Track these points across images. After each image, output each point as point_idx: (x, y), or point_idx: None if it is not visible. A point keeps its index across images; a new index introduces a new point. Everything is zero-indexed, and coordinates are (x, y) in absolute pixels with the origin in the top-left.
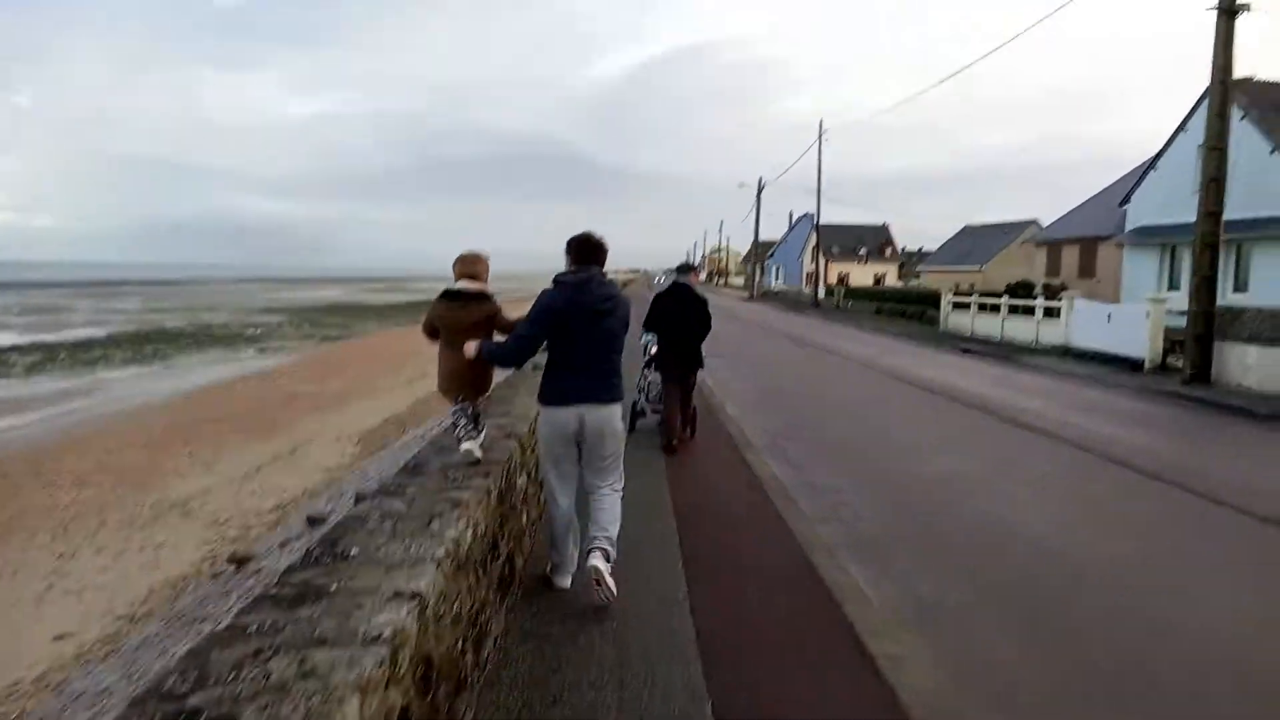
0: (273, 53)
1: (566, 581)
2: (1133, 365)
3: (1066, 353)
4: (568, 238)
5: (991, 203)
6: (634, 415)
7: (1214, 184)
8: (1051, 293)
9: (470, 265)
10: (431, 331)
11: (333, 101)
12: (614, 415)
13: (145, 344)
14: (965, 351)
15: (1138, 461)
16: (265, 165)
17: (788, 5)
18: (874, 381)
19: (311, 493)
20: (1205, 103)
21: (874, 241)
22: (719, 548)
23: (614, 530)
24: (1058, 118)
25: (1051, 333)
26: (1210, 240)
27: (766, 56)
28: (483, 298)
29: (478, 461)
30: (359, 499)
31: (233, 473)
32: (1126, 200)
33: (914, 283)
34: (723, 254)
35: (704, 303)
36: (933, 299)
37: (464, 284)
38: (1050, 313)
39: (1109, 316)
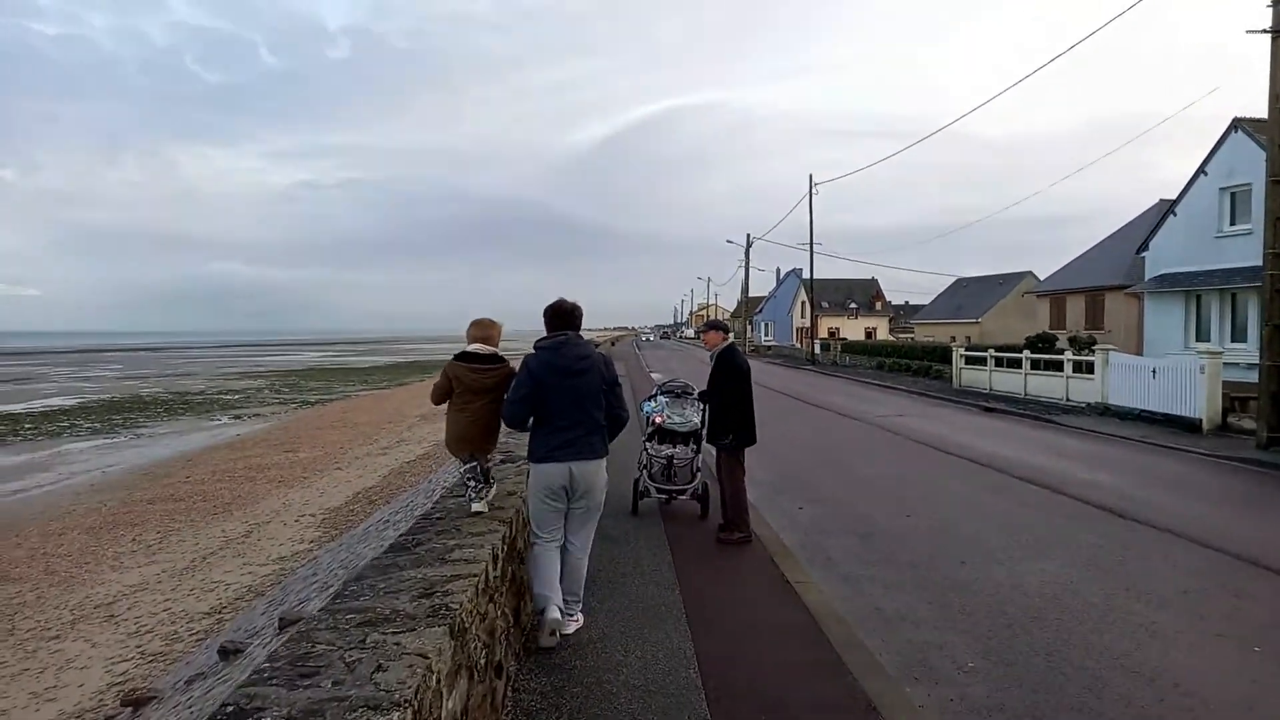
0: (253, 126)
1: (555, 613)
2: (1188, 426)
3: (1105, 411)
4: (545, 306)
5: (974, 257)
6: (636, 495)
7: (1278, 222)
8: (1080, 346)
9: (484, 329)
10: (441, 396)
11: (311, 170)
12: (600, 469)
13: (116, 413)
14: (989, 410)
15: None
16: (246, 233)
17: (759, 73)
18: (904, 451)
19: (256, 591)
20: (1226, 142)
21: (863, 295)
22: None
23: (580, 591)
24: (1036, 174)
25: (1084, 390)
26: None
27: (735, 122)
28: (497, 359)
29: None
30: (283, 624)
31: (176, 562)
32: (1144, 247)
33: (905, 337)
34: (711, 310)
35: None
36: (939, 353)
37: (478, 347)
38: (1080, 367)
39: (1154, 372)
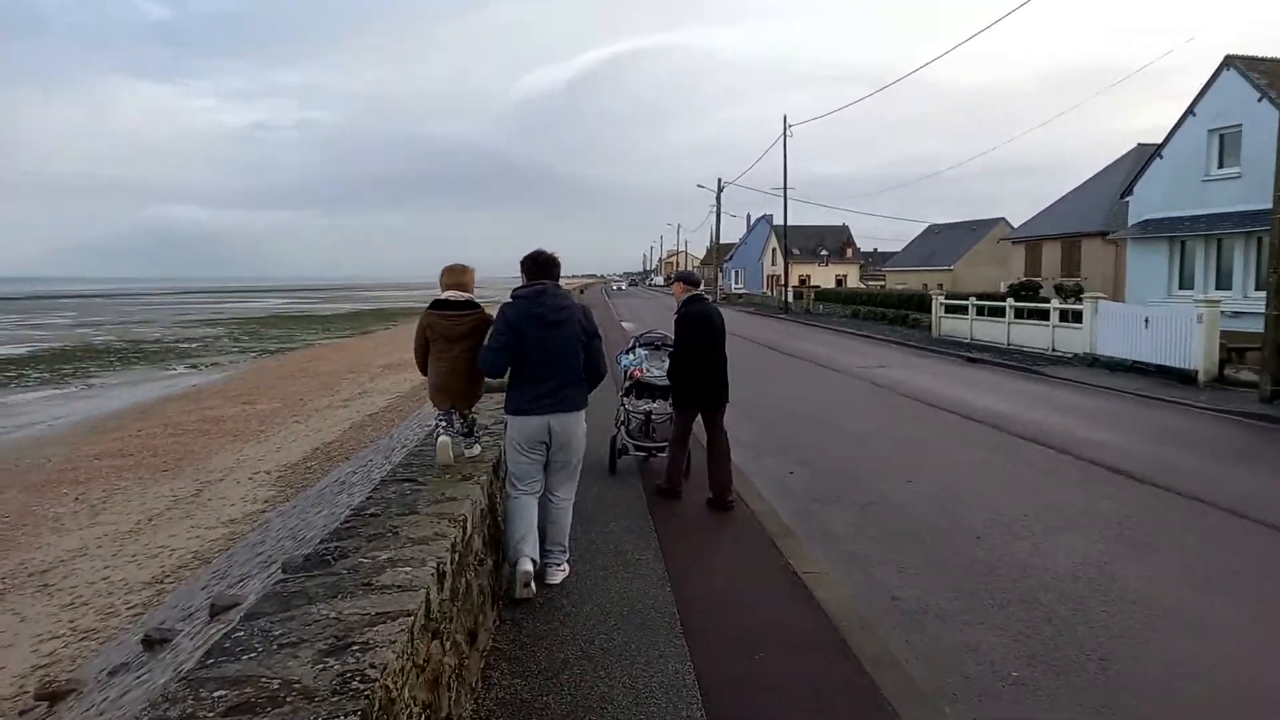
0: (203, 64)
1: (528, 565)
2: (1182, 378)
3: (1094, 362)
4: (523, 256)
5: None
6: (613, 453)
7: None
8: (1066, 294)
9: (458, 275)
10: (422, 352)
11: (267, 110)
12: (579, 421)
13: (67, 362)
14: (972, 361)
15: None
16: (200, 176)
17: (721, 13)
18: (892, 405)
19: (202, 558)
20: (1216, 82)
21: (835, 243)
22: None
23: (565, 539)
24: (1006, 123)
25: (1071, 340)
26: None
27: (698, 67)
28: (471, 305)
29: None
30: (215, 611)
31: (119, 524)
32: (1128, 192)
33: (876, 284)
34: (680, 258)
35: (723, 319)
36: (915, 301)
37: (452, 293)
38: (1066, 316)
39: (1146, 321)
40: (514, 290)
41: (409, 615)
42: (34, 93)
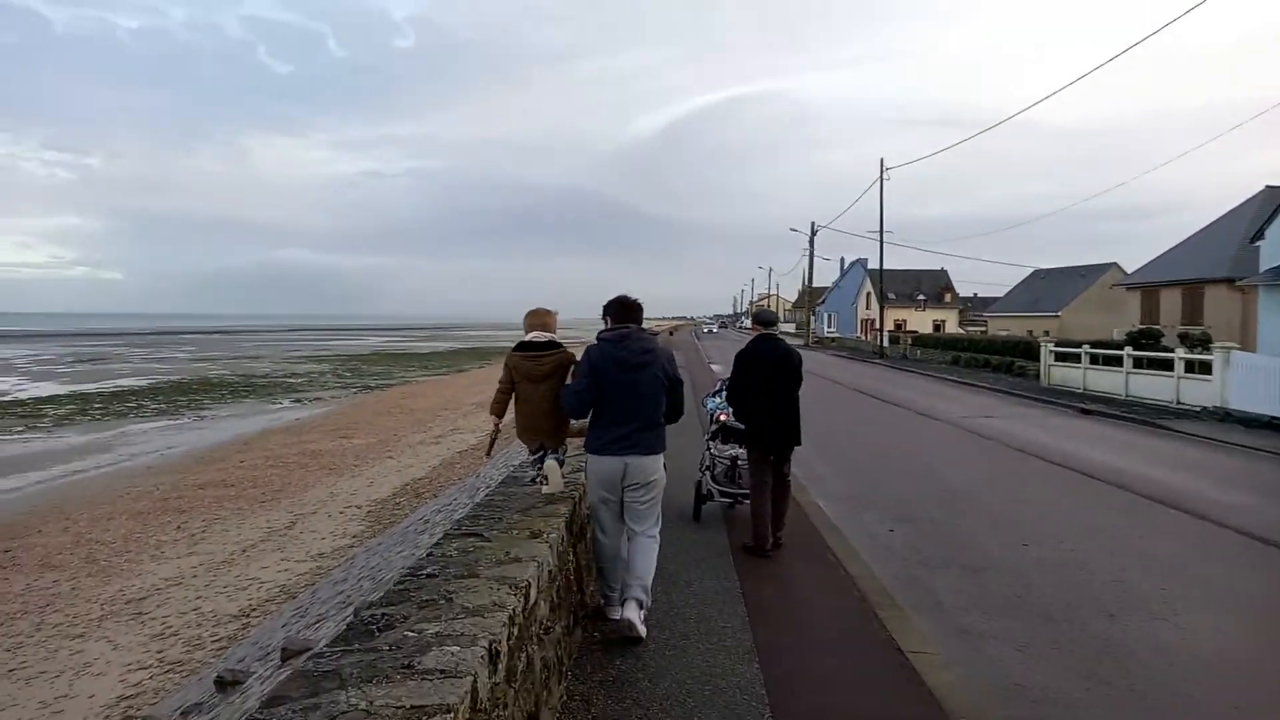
0: (321, 117)
1: (618, 612)
2: None
3: (1226, 417)
4: (605, 301)
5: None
6: (698, 499)
7: None
8: (1192, 344)
9: (541, 317)
10: (505, 393)
11: (376, 160)
12: (656, 465)
13: (183, 394)
14: (1086, 413)
15: None
16: (315, 220)
17: (818, 62)
18: (999, 459)
19: (288, 592)
20: None
21: (932, 287)
22: None
23: (648, 578)
24: (1107, 164)
25: (1199, 392)
26: None
27: (794, 113)
28: (554, 346)
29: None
30: (286, 656)
31: (215, 554)
32: (1259, 236)
33: (975, 330)
34: (770, 301)
35: (799, 358)
36: (1021, 348)
37: (536, 334)
38: (1192, 367)
39: None
40: (599, 333)
41: (449, 712)
42: (177, 142)
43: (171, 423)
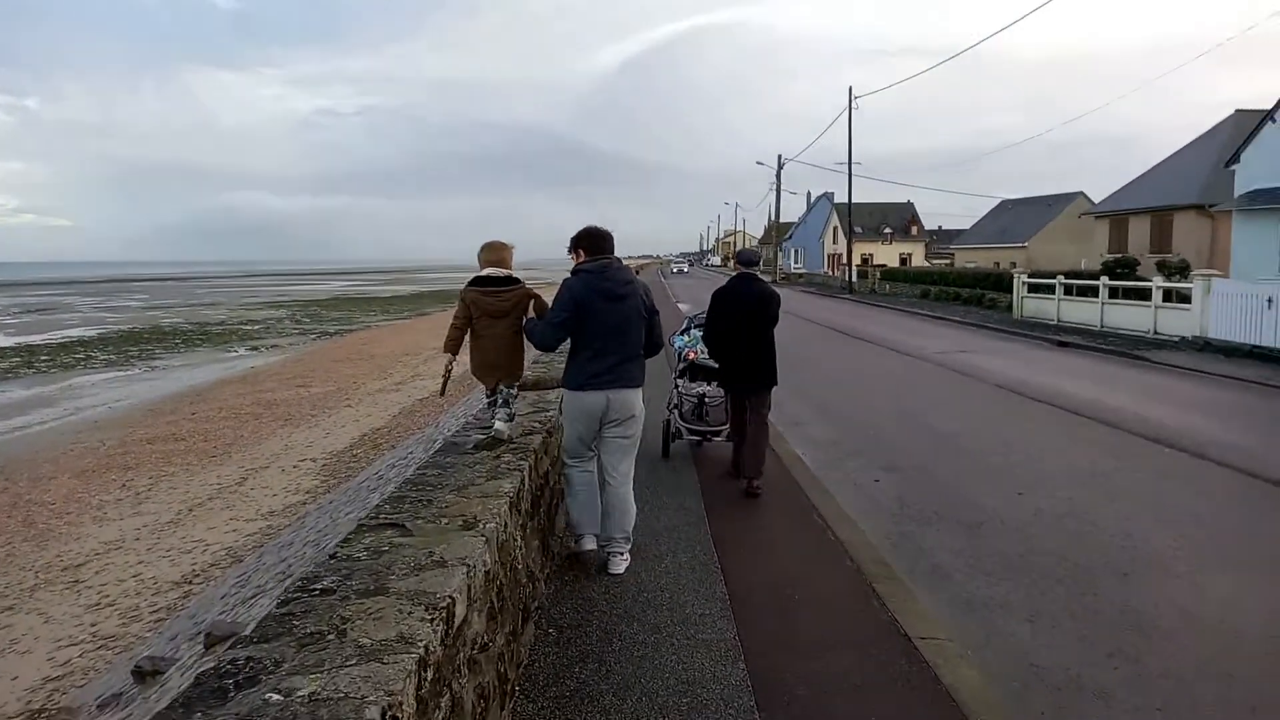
0: (271, 52)
1: (591, 544)
2: None
3: (1206, 347)
4: (577, 231)
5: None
6: (666, 437)
7: None
8: (1170, 271)
9: (497, 252)
10: (461, 329)
11: (330, 97)
12: (638, 398)
13: (134, 344)
14: (1063, 345)
15: None
16: (269, 163)
17: None
18: (981, 397)
19: (235, 554)
20: None
21: (899, 220)
22: None
23: (629, 526)
24: (1071, 97)
25: (1178, 322)
26: None
27: (758, 44)
28: (513, 281)
29: (507, 440)
30: (210, 642)
31: (160, 514)
32: (1234, 160)
33: (941, 263)
34: (737, 238)
35: (778, 301)
36: (992, 280)
37: (492, 270)
38: (1170, 296)
39: (1270, 301)
40: (577, 265)
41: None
42: (122, 81)
43: (121, 374)
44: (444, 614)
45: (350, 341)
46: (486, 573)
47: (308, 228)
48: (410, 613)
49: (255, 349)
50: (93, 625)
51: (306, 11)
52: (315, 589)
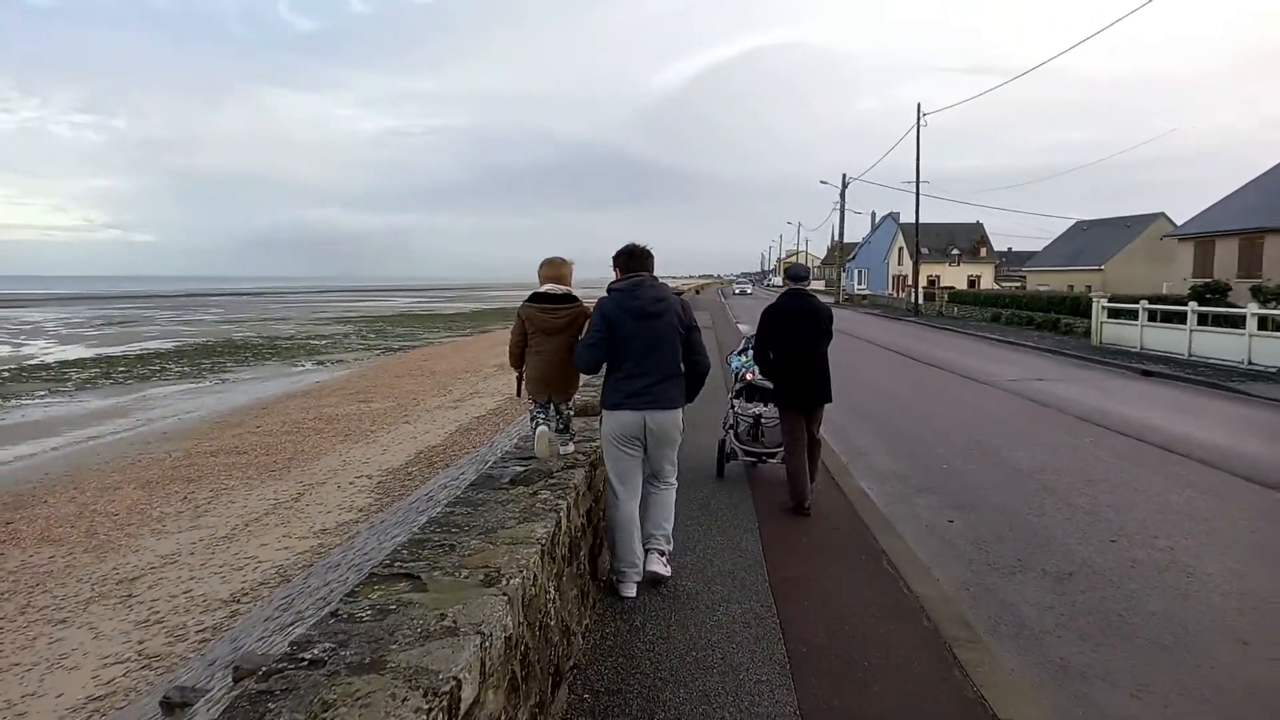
0: (343, 73)
1: (632, 590)
2: None
3: None
4: (616, 251)
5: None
6: (721, 457)
7: None
8: (1266, 297)
9: (556, 269)
10: (518, 345)
11: (399, 118)
12: (677, 420)
13: (207, 357)
14: (1147, 374)
15: None
16: (341, 179)
17: (840, 7)
18: (1061, 429)
19: (283, 574)
20: None
21: (967, 241)
22: None
23: (669, 526)
24: (1146, 114)
25: (1275, 351)
26: None
27: (823, 60)
28: (570, 299)
29: (555, 456)
30: (238, 676)
31: (217, 528)
32: None
33: (1012, 285)
34: (799, 258)
35: (829, 316)
36: (1069, 304)
37: (551, 286)
38: (1266, 324)
39: None
40: (610, 284)
41: None
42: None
43: (193, 386)
44: (446, 701)
45: (412, 357)
46: (507, 638)
47: (381, 245)
48: (405, 700)
49: (321, 363)
50: (140, 643)
51: (376, 31)
52: (304, 659)
